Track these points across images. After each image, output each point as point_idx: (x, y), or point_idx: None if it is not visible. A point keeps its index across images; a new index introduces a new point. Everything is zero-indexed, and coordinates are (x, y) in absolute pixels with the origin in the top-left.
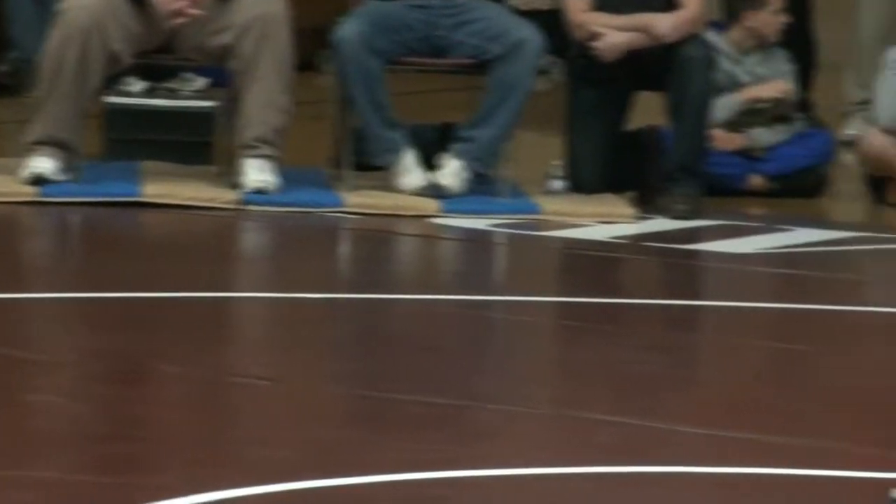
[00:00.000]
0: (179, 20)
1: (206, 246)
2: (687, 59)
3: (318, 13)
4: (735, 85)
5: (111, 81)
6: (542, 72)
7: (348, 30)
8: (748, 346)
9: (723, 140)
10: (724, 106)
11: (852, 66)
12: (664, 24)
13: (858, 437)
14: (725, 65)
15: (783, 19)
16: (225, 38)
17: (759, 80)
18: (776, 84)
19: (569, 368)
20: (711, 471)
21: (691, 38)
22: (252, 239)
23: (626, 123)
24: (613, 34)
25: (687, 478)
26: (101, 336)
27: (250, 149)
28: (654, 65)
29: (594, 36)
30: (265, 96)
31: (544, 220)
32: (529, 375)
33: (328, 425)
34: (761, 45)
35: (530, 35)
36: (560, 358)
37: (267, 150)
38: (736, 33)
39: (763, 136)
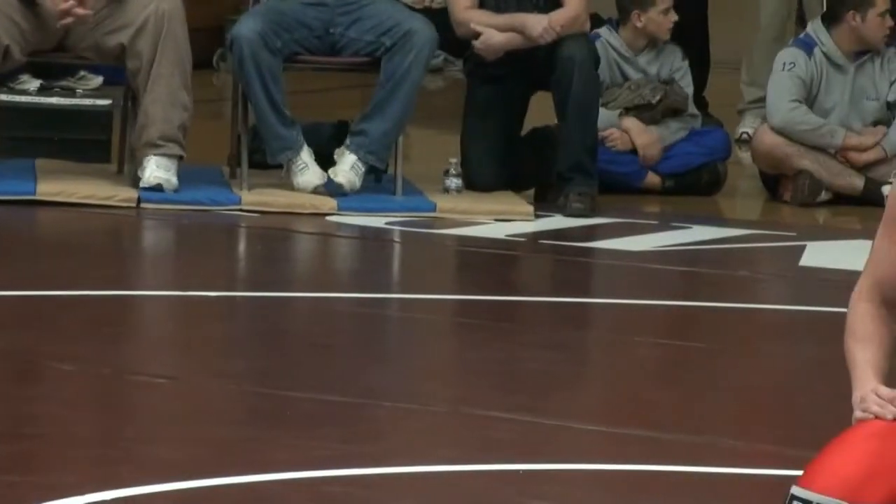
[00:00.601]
0: (68, 20)
1: (103, 244)
2: (569, 59)
3: (214, 12)
4: (626, 82)
5: (5, 79)
6: (437, 70)
7: (245, 28)
8: (643, 344)
9: (620, 139)
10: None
11: (747, 65)
12: (538, 25)
13: (752, 434)
14: (617, 62)
15: (673, 18)
16: (121, 37)
17: (651, 77)
18: None
19: (464, 366)
20: (605, 467)
21: (574, 37)
22: (149, 237)
23: (523, 121)
24: (491, 34)
25: (581, 474)
26: None
27: (154, 147)
28: (544, 64)
29: (475, 34)
30: (166, 94)
31: (440, 217)
32: (425, 373)
33: (225, 423)
34: (653, 43)
35: (420, 26)
36: (456, 355)
37: (172, 149)
38: (627, 32)
39: (660, 136)
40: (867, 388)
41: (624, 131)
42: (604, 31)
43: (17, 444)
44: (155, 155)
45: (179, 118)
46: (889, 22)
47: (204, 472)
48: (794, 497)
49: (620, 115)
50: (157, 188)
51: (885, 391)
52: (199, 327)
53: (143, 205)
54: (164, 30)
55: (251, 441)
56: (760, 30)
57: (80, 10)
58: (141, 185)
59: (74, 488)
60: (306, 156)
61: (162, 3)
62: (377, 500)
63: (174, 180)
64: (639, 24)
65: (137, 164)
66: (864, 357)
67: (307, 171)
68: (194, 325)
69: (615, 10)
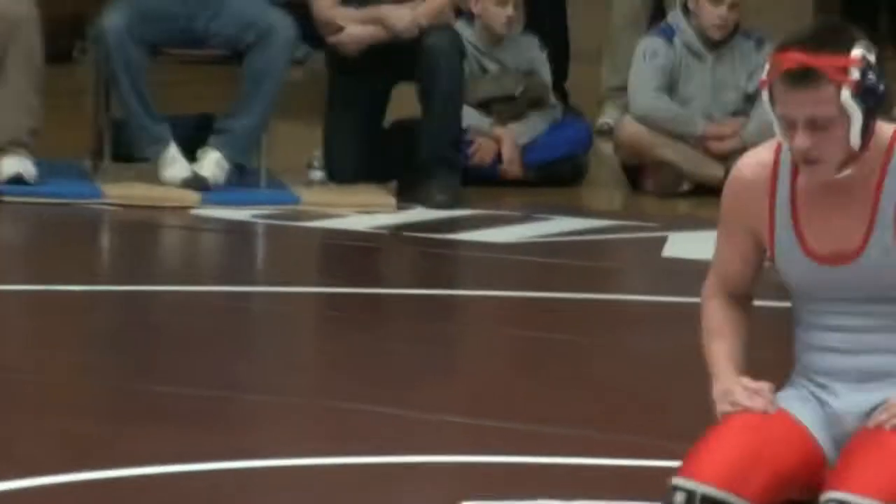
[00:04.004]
0: None
1: None
2: (433, 50)
3: (73, 3)
4: (485, 74)
5: None
6: (299, 62)
7: (112, 20)
8: (507, 336)
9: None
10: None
11: (608, 54)
12: (401, 17)
13: (617, 424)
14: (474, 54)
15: (507, 12)
16: None
17: (509, 69)
18: None
19: (329, 358)
20: (471, 459)
21: (438, 29)
22: (9, 231)
23: (385, 113)
24: (355, 28)
25: (446, 467)
26: None
27: (2, 151)
28: (407, 56)
29: (339, 30)
30: (15, 98)
31: (304, 210)
32: (291, 366)
33: (87, 418)
34: (498, 35)
35: (281, 22)
36: (320, 348)
37: (21, 153)
38: (479, 25)
39: (523, 132)
40: (731, 381)
41: (495, 139)
42: (459, 24)
43: None
44: (4, 157)
45: (28, 122)
46: (722, 11)
47: (66, 467)
48: (676, 487)
49: (493, 123)
50: (18, 178)
51: (752, 384)
52: (62, 322)
53: (2, 198)
54: (12, 34)
55: (114, 436)
56: (617, 18)
57: None
58: (0, 180)
59: None
60: (174, 150)
61: (12, 4)
62: (242, 493)
63: (32, 171)
64: (476, 13)
65: None
66: (720, 350)
67: (175, 165)
68: (56, 320)
69: None
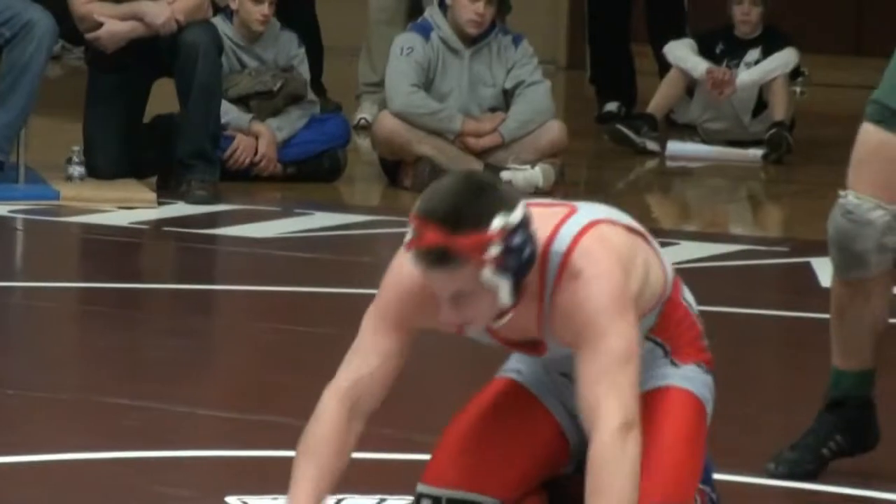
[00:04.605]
0: None
1: None
2: (191, 45)
3: None
4: (244, 69)
5: None
6: (56, 57)
7: None
8: (267, 330)
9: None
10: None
11: (365, 50)
12: (158, 13)
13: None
14: (233, 50)
15: (265, 10)
16: None
17: (268, 65)
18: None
19: (91, 354)
20: (231, 454)
21: (197, 24)
22: None
23: (145, 109)
24: (113, 23)
25: (209, 461)
26: None
27: None
28: (165, 51)
29: (98, 26)
30: None
31: (64, 205)
32: (51, 361)
33: None
34: (255, 32)
35: (39, 16)
36: (82, 343)
37: None
38: (238, 20)
39: (282, 127)
40: None
41: (254, 134)
42: (217, 20)
43: None
44: None
45: None
46: (479, 9)
47: None
48: (421, 495)
49: (253, 119)
50: None
51: None
52: None
53: None
54: None
55: None
56: (374, 14)
57: None
58: None
59: None
60: None
61: None
62: (5, 489)
63: None
64: (234, 8)
65: None
66: (304, 475)
67: None
68: None
69: None
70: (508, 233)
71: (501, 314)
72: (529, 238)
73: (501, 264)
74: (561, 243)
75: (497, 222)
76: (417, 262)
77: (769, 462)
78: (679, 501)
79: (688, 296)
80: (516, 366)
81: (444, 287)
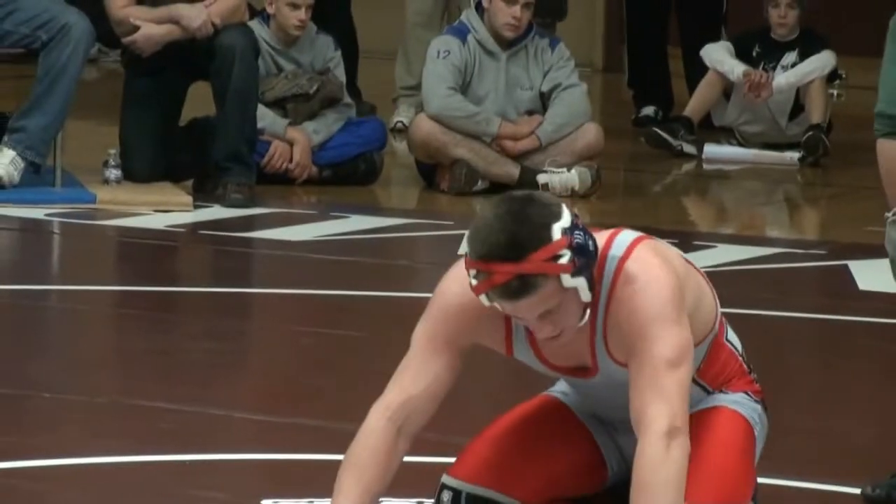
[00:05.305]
0: None
1: None
2: (228, 49)
3: None
4: (281, 73)
5: None
6: (92, 60)
7: None
8: (302, 333)
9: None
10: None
11: (402, 53)
12: (197, 17)
13: None
14: (270, 53)
15: (300, 16)
16: None
17: (305, 68)
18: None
19: (126, 357)
20: (267, 457)
21: (233, 27)
22: None
23: (181, 112)
24: (149, 27)
25: (244, 463)
26: None
27: None
28: (202, 55)
29: (134, 30)
30: None
31: (100, 209)
32: (88, 364)
33: None
34: (292, 36)
35: (76, 20)
36: (117, 346)
37: None
38: (275, 24)
39: (318, 130)
40: None
41: (289, 141)
42: (254, 24)
43: None
44: None
45: None
46: (516, 12)
47: None
48: (444, 486)
49: (289, 124)
50: None
51: None
52: None
53: None
54: None
55: None
56: (411, 17)
57: None
58: None
59: None
60: None
61: None
62: (42, 492)
63: None
64: (271, 13)
65: None
66: (349, 491)
67: None
68: None
69: None
70: (570, 235)
71: (584, 313)
72: (585, 231)
73: (576, 265)
74: (617, 250)
75: (556, 231)
76: (496, 300)
77: (865, 486)
78: None
79: (732, 337)
80: (564, 388)
81: (532, 311)
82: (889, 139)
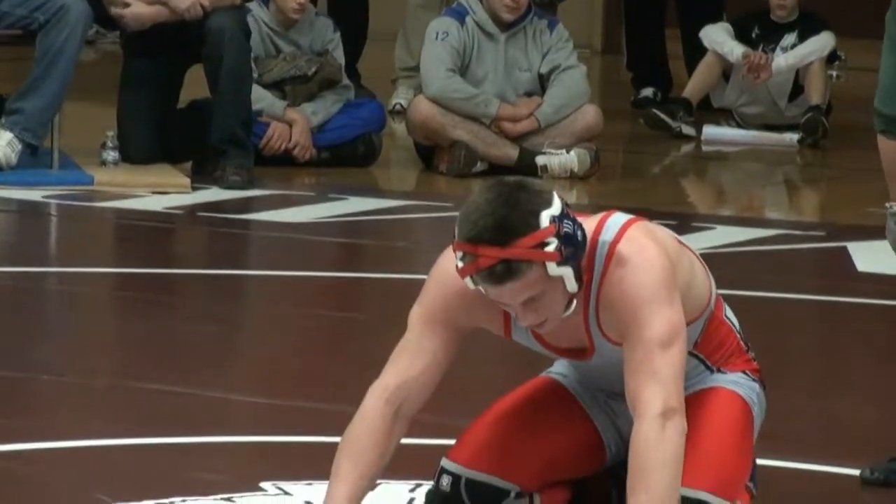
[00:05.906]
0: None
1: None
2: (217, 31)
3: None
4: (280, 54)
5: None
6: (90, 42)
7: None
8: (301, 315)
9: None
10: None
11: (401, 35)
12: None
13: None
14: (269, 35)
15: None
16: None
17: (303, 50)
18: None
19: (125, 339)
20: (265, 439)
21: (224, 10)
22: None
23: (179, 94)
24: (138, 6)
25: (243, 446)
26: None
27: None
28: (197, 37)
29: (122, 5)
30: None
31: (98, 190)
32: (85, 347)
33: None
34: (291, 18)
35: (74, 1)
36: (116, 329)
37: None
38: (274, 6)
39: (317, 111)
40: None
41: (288, 122)
42: (253, 6)
43: None
44: None
45: None
46: None
47: None
48: (443, 470)
49: (287, 106)
50: None
51: None
52: None
53: None
54: None
55: None
56: None
57: None
58: None
59: None
60: None
61: None
62: (38, 474)
63: None
64: (274, 1)
65: None
66: (346, 474)
67: None
68: None
69: None
70: (558, 224)
71: (569, 304)
72: (574, 221)
73: (562, 254)
74: (608, 233)
75: (545, 218)
76: (481, 284)
77: (864, 469)
78: (727, 495)
79: (730, 314)
80: (562, 370)
81: (516, 297)
82: (886, 136)
